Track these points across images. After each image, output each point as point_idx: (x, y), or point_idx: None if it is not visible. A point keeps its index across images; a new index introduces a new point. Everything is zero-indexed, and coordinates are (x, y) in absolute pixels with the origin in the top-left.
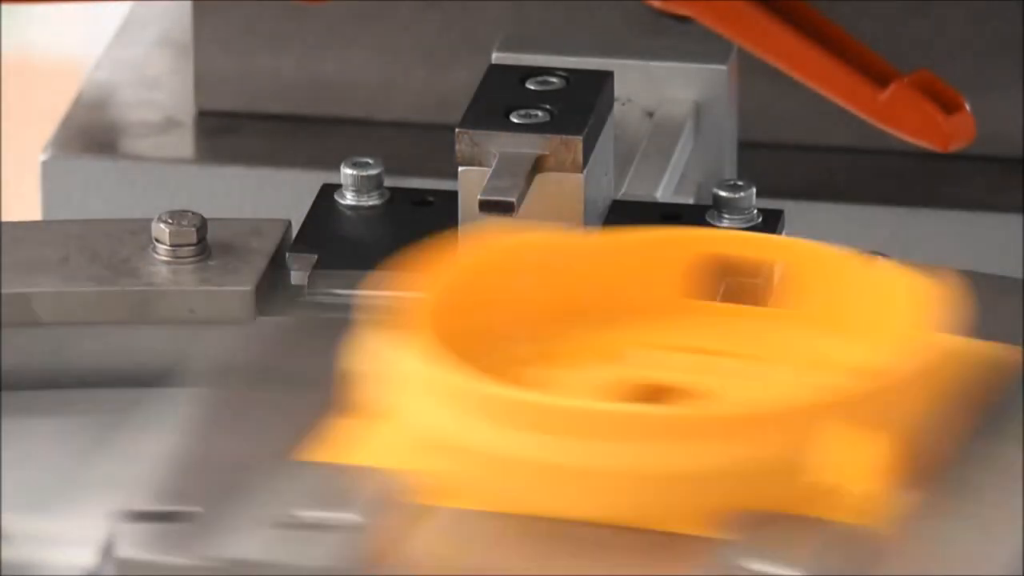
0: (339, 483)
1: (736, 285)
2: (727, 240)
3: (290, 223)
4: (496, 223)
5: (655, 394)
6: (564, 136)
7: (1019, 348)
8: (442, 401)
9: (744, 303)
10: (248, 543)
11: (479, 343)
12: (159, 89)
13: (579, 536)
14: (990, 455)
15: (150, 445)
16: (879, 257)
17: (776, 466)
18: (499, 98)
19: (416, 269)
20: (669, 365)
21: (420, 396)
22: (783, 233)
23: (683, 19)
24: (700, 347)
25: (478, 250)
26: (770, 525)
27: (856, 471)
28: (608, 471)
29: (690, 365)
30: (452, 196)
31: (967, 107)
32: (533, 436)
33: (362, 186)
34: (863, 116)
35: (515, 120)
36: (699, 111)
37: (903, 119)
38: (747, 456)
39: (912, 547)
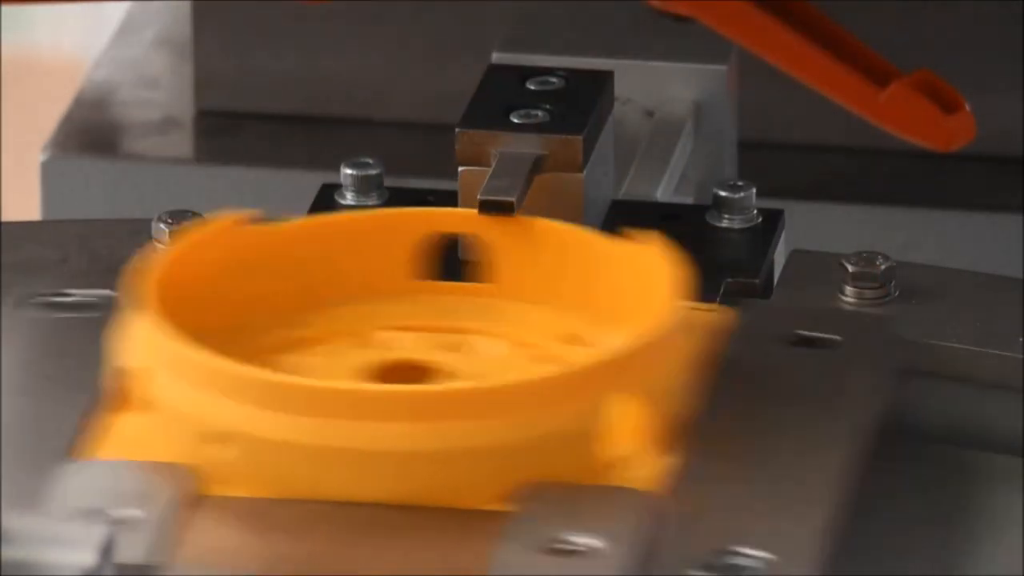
0: (123, 479)
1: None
2: (458, 218)
3: None
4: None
5: (412, 374)
6: (564, 136)
7: (725, 309)
8: (213, 389)
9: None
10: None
11: (223, 336)
12: (159, 89)
13: (369, 518)
14: (753, 418)
15: None
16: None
17: (551, 436)
18: (499, 98)
19: (154, 262)
20: (419, 345)
21: (190, 386)
22: (783, 234)
23: (683, 19)
24: (446, 326)
25: (210, 242)
26: (555, 496)
27: (623, 437)
28: (391, 451)
29: (440, 344)
30: (452, 196)
31: (967, 107)
32: (312, 420)
33: (362, 186)
34: (863, 116)
35: (515, 120)
36: (699, 111)
37: (903, 119)
38: (521, 429)
39: (698, 511)
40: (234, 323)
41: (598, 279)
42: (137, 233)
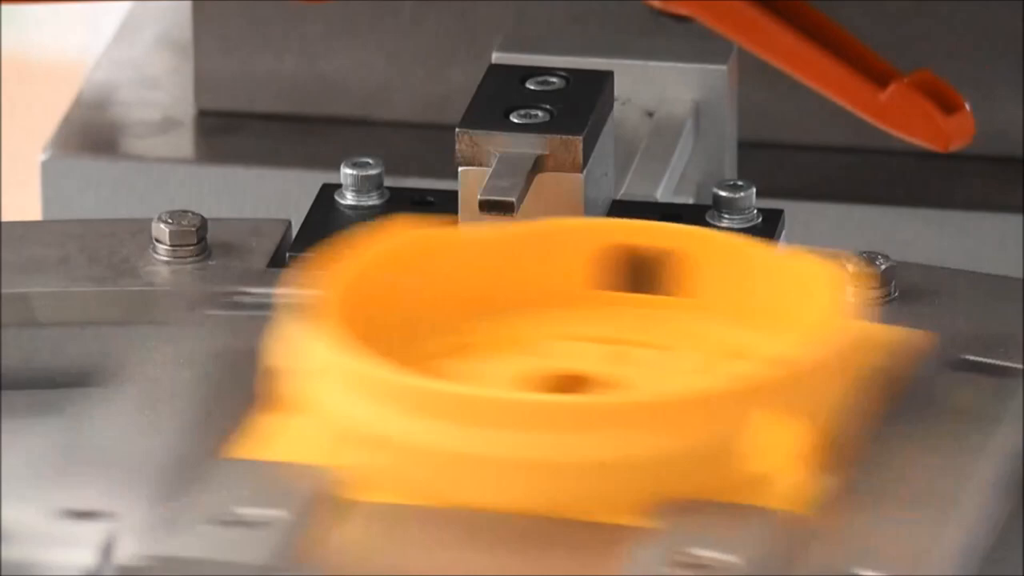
0: (269, 480)
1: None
2: (631, 229)
3: (290, 223)
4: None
5: (570, 384)
6: (564, 136)
7: (924, 333)
8: (365, 394)
9: (655, 292)
10: (186, 541)
11: (392, 338)
12: (159, 89)
13: (506, 527)
14: (909, 439)
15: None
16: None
17: (700, 453)
18: (499, 98)
19: (330, 263)
20: (583, 355)
21: (341, 389)
22: (783, 233)
23: (683, 19)
24: (612, 337)
25: (388, 243)
26: (696, 513)
27: (777, 457)
28: (533, 461)
29: (604, 355)
30: (452, 196)
31: (967, 107)
32: (457, 427)
33: (362, 186)
34: (863, 116)
35: (515, 120)
36: (699, 111)
37: (903, 119)
38: (670, 444)
39: (841, 533)
40: (401, 325)
41: (769, 293)
42: (137, 233)
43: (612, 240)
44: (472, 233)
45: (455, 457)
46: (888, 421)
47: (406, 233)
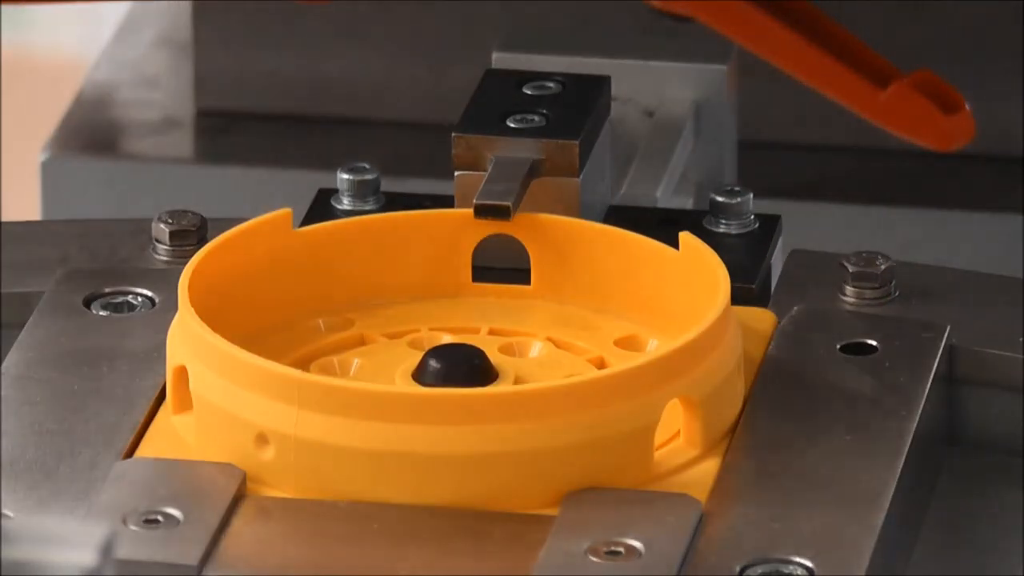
0: (179, 479)
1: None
2: (514, 224)
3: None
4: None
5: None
6: (560, 140)
7: (770, 312)
8: (269, 391)
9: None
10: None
11: (272, 336)
12: (159, 89)
13: (421, 521)
14: (801, 423)
15: None
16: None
17: (602, 439)
18: (496, 103)
19: (220, 264)
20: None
21: (240, 387)
22: (780, 238)
23: (683, 19)
24: (492, 328)
25: (264, 241)
26: (605, 500)
27: (671, 440)
28: (443, 455)
29: (487, 346)
30: (448, 201)
31: (967, 107)
32: (363, 423)
33: (358, 191)
34: (863, 116)
35: (512, 124)
36: (699, 111)
37: (903, 119)
38: (574, 432)
39: (742, 518)
40: (281, 323)
41: (649, 284)
42: (137, 233)
43: (490, 231)
44: (338, 225)
45: (361, 453)
46: (778, 405)
47: (272, 227)
